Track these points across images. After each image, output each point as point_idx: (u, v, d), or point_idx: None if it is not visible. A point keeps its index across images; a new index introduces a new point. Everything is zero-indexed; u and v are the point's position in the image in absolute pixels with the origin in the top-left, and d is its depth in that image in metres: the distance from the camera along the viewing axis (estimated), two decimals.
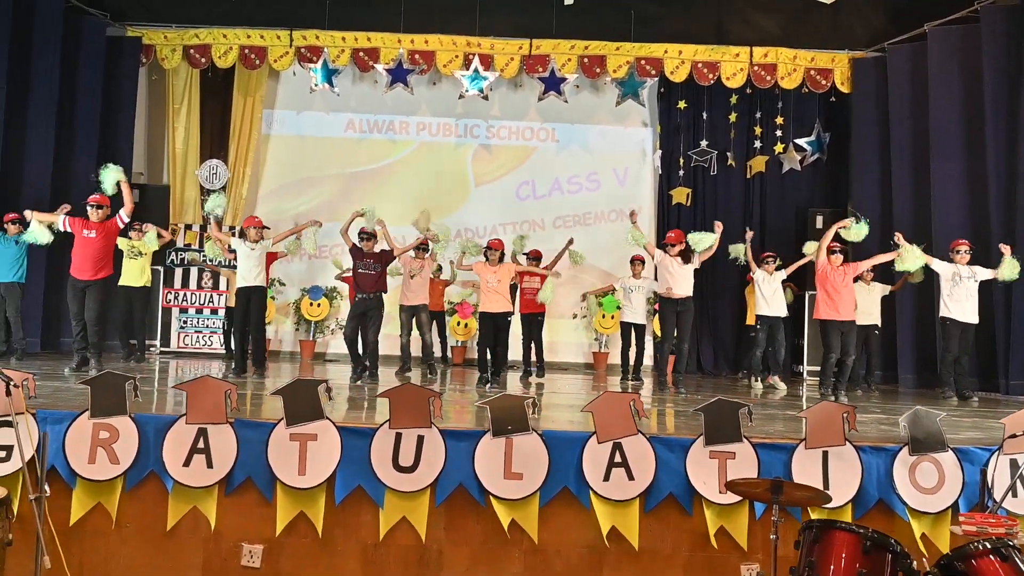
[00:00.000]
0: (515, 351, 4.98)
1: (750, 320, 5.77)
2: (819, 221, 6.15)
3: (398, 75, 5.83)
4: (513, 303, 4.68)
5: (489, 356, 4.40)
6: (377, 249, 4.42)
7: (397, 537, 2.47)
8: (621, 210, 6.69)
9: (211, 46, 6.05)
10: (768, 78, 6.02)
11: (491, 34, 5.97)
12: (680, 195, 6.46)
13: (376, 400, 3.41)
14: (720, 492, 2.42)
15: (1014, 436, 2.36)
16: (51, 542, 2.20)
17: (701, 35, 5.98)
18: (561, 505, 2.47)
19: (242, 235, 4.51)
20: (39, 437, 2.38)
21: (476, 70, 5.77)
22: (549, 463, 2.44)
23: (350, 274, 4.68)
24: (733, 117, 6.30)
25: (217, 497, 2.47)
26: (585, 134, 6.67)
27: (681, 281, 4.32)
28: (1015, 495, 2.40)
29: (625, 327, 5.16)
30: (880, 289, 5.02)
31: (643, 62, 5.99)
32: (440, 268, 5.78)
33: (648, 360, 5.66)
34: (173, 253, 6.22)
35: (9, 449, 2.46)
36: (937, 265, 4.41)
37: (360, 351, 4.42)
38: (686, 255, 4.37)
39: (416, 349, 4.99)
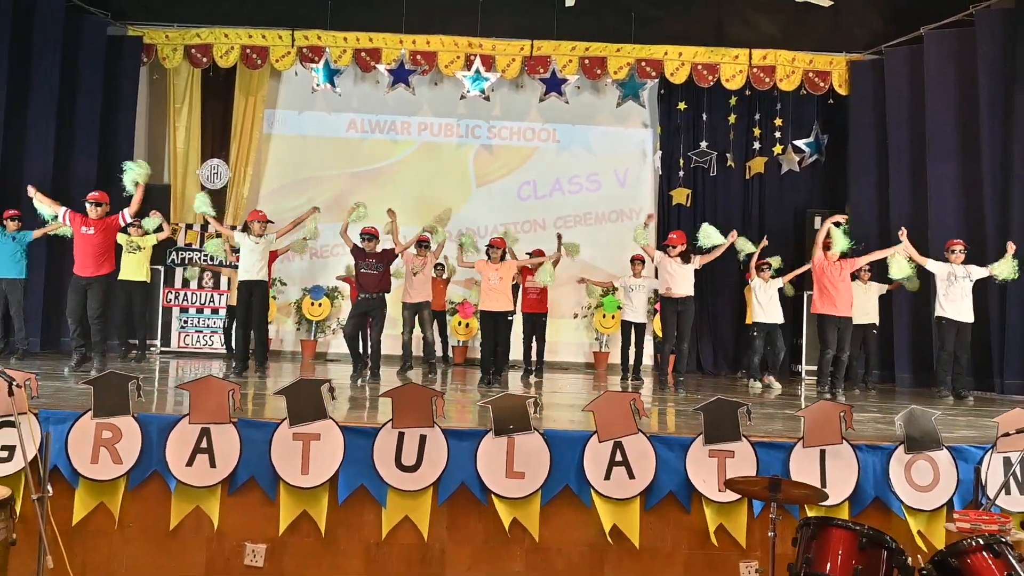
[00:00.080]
0: (515, 351, 5.00)
1: (750, 319, 5.82)
2: (817, 222, 6.16)
3: (400, 75, 5.85)
4: (515, 302, 4.69)
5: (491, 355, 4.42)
6: (379, 249, 4.42)
7: (400, 536, 2.48)
8: (622, 210, 6.74)
9: (212, 46, 6.06)
10: (767, 80, 6.06)
11: (492, 35, 6.00)
12: (680, 196, 6.50)
13: (379, 400, 3.42)
14: (719, 490, 2.45)
15: (1007, 435, 2.39)
16: (54, 542, 2.21)
17: (701, 37, 6.02)
18: (562, 504, 2.49)
19: (245, 229, 4.50)
20: (42, 437, 2.39)
21: (477, 71, 5.80)
22: (551, 462, 2.46)
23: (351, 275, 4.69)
24: (732, 118, 6.35)
25: (220, 497, 2.48)
26: (586, 135, 6.71)
27: (681, 281, 4.34)
28: (1008, 492, 2.44)
29: (625, 326, 5.18)
30: (877, 288, 5.06)
31: (643, 64, 6.03)
32: (443, 267, 5.79)
33: (648, 359, 5.70)
34: (174, 252, 6.23)
35: (11, 449, 2.47)
36: (932, 266, 4.45)
37: (360, 350, 4.42)
38: (686, 255, 4.38)
39: (417, 348, 5.01)
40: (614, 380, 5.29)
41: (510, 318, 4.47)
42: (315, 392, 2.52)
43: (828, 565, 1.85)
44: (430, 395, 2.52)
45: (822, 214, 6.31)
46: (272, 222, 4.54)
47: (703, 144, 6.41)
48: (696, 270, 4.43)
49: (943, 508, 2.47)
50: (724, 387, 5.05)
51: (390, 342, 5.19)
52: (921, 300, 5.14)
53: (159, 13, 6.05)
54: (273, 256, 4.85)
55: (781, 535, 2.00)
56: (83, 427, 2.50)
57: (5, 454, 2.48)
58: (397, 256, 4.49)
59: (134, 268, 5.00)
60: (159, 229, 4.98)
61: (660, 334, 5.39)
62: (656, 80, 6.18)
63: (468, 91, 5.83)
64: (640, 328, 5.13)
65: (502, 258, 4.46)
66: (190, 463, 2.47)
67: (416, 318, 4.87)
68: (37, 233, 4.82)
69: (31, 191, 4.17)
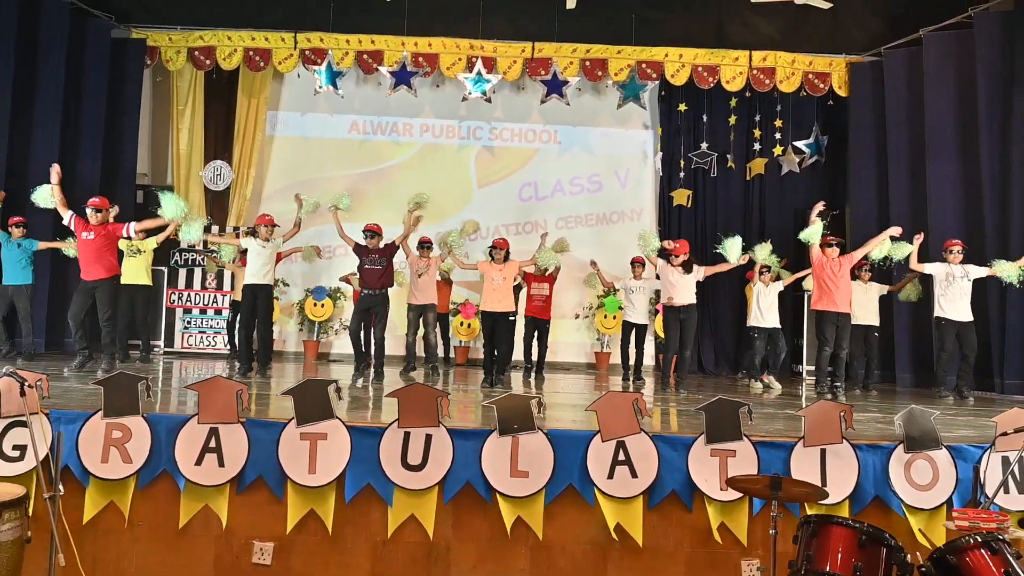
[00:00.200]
0: (516, 352, 5.02)
1: (749, 324, 5.84)
2: (817, 222, 6.22)
3: (402, 77, 5.89)
4: (516, 304, 4.72)
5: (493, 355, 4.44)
6: (382, 244, 4.43)
7: (406, 534, 2.51)
8: (623, 212, 6.77)
9: (215, 48, 6.09)
10: (767, 81, 6.10)
11: (494, 37, 6.04)
12: (681, 197, 6.53)
13: (385, 400, 3.45)
14: (721, 489, 2.48)
15: (1006, 434, 2.42)
16: (65, 540, 2.24)
17: (701, 39, 6.05)
18: (566, 502, 2.52)
19: (253, 233, 4.52)
20: (53, 437, 2.42)
21: (479, 73, 5.83)
22: (554, 461, 2.50)
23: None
24: (733, 120, 6.38)
25: (228, 495, 2.51)
26: (587, 136, 6.74)
27: (682, 291, 4.36)
28: (1007, 491, 2.47)
29: (626, 327, 5.21)
30: (877, 289, 5.07)
31: (644, 65, 6.06)
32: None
33: (649, 360, 5.72)
34: (177, 254, 6.26)
35: (23, 449, 2.50)
36: (930, 268, 4.48)
37: (364, 347, 4.44)
38: (688, 264, 4.40)
39: (420, 349, 5.04)
40: (615, 380, 5.31)
41: (512, 318, 4.49)
42: (322, 392, 2.55)
43: (828, 562, 1.88)
44: (436, 395, 2.55)
45: (822, 215, 6.37)
46: (278, 226, 4.56)
47: (704, 145, 6.44)
48: (699, 280, 4.43)
49: (942, 507, 2.50)
50: (725, 387, 5.07)
51: (393, 342, 5.23)
52: (921, 300, 5.15)
53: (162, 16, 6.08)
54: (278, 257, 4.89)
55: (782, 533, 2.03)
56: (93, 427, 2.54)
57: (17, 454, 2.51)
58: (398, 248, 4.48)
59: (135, 272, 5.02)
60: (161, 229, 5.01)
61: (662, 335, 5.41)
62: (657, 82, 6.22)
63: (470, 93, 5.87)
64: (641, 329, 5.16)
65: (505, 259, 4.47)
66: (199, 462, 2.50)
67: (421, 320, 4.90)
68: (42, 245, 4.85)
69: (56, 173, 4.05)
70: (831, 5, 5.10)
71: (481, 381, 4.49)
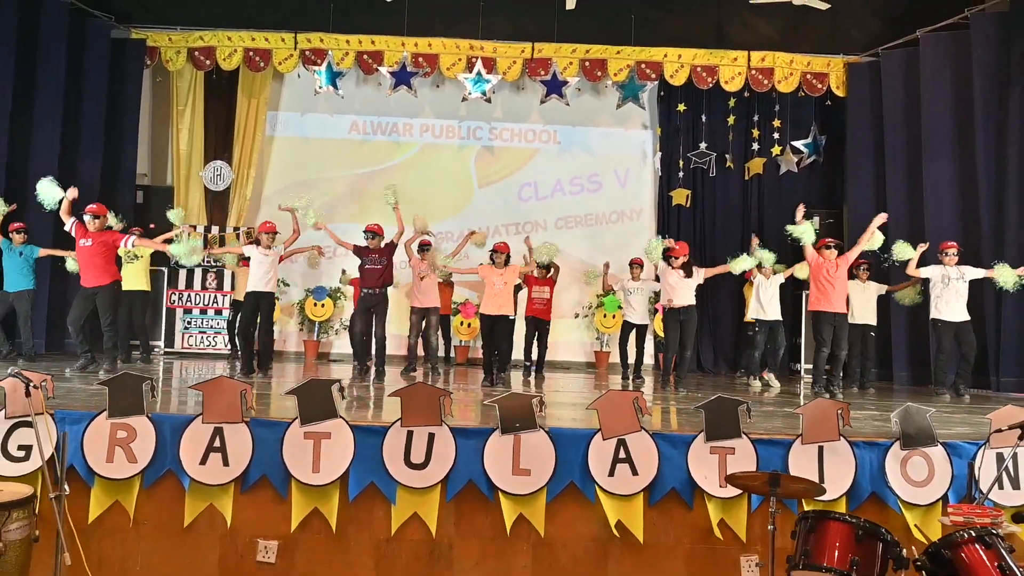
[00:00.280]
0: (516, 351, 5.05)
1: (749, 318, 5.88)
2: (816, 222, 6.25)
3: (402, 78, 5.90)
4: (516, 306, 4.74)
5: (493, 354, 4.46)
6: (382, 244, 4.47)
7: (409, 532, 2.54)
8: (622, 211, 6.80)
9: (215, 48, 6.09)
10: (765, 82, 6.13)
11: (494, 38, 6.05)
12: (680, 196, 6.56)
13: (388, 399, 3.48)
14: (720, 486, 2.51)
15: (1000, 431, 2.45)
16: (71, 539, 2.26)
17: (700, 39, 6.08)
18: (567, 500, 2.55)
19: (256, 241, 4.57)
20: (58, 437, 2.44)
21: (479, 73, 5.85)
22: (556, 459, 2.52)
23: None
24: (731, 120, 6.41)
25: (233, 495, 2.54)
26: (586, 136, 6.76)
27: (681, 293, 4.39)
28: (1001, 487, 2.50)
29: (626, 326, 5.25)
30: (876, 288, 5.09)
31: (643, 66, 6.08)
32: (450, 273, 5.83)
33: (648, 359, 5.75)
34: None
35: (28, 449, 2.52)
36: (926, 271, 4.52)
37: (367, 351, 4.47)
38: (688, 267, 4.43)
39: (421, 349, 5.07)
40: (615, 379, 5.35)
41: (511, 318, 4.53)
42: (326, 392, 2.58)
43: (826, 557, 1.91)
44: (438, 394, 2.57)
45: (820, 214, 6.40)
46: (279, 232, 4.59)
47: (702, 145, 6.47)
48: (699, 284, 4.46)
49: (938, 502, 2.53)
50: (723, 386, 5.10)
51: (393, 342, 5.26)
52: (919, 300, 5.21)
53: (162, 16, 6.08)
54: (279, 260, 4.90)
55: (780, 529, 2.06)
56: (98, 427, 2.56)
57: (22, 454, 2.53)
58: (396, 246, 4.51)
59: (133, 277, 5.04)
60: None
61: (661, 334, 5.44)
62: (656, 82, 6.24)
63: (469, 93, 5.88)
64: (641, 329, 5.19)
65: (506, 263, 4.50)
66: (203, 462, 2.52)
67: (424, 323, 4.93)
68: (43, 252, 4.86)
69: (73, 195, 4.11)
70: (829, 6, 5.14)
71: (481, 380, 4.51)
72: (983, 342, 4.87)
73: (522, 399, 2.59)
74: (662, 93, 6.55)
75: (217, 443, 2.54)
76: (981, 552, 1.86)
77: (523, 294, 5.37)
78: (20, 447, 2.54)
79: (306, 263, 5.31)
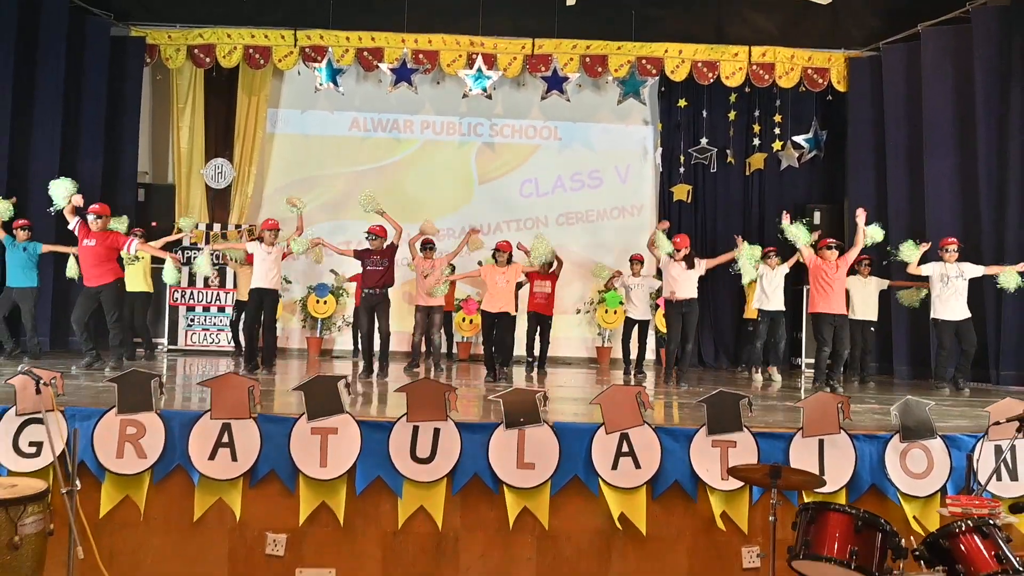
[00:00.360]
0: (517, 347, 5.08)
1: (748, 314, 5.91)
2: (817, 217, 6.28)
3: (402, 74, 5.89)
4: (517, 302, 4.77)
5: (494, 351, 4.49)
6: (384, 246, 4.50)
7: (415, 525, 2.58)
8: (623, 207, 6.81)
9: (215, 46, 6.08)
10: (766, 77, 6.12)
11: (494, 34, 6.04)
12: (681, 192, 6.57)
13: (393, 394, 3.51)
14: (722, 479, 2.55)
15: (998, 423, 2.49)
16: (83, 533, 2.30)
17: (701, 35, 6.06)
18: (571, 493, 2.59)
19: (259, 238, 4.59)
20: (69, 433, 2.47)
21: (479, 69, 5.84)
22: (560, 453, 2.56)
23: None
24: (732, 115, 6.40)
25: (242, 489, 2.57)
26: (587, 132, 6.76)
27: (684, 285, 4.41)
28: (999, 479, 2.54)
29: (628, 322, 5.28)
30: (876, 283, 5.10)
31: (644, 61, 6.07)
32: (453, 268, 5.85)
33: (650, 354, 5.78)
34: (179, 251, 6.28)
35: (39, 445, 2.56)
36: (926, 269, 4.53)
37: (371, 348, 4.50)
38: (690, 259, 4.46)
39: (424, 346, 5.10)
40: (617, 375, 5.38)
41: (513, 315, 4.55)
42: (332, 388, 2.61)
43: (826, 547, 1.94)
44: (444, 389, 2.60)
45: (821, 209, 6.43)
46: (280, 230, 4.61)
47: (703, 141, 6.47)
48: (700, 275, 4.49)
49: (937, 494, 2.57)
50: (725, 380, 5.13)
51: (396, 338, 5.28)
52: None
53: (161, 14, 6.06)
54: (282, 256, 4.92)
55: (781, 520, 2.09)
56: (108, 423, 2.59)
57: (33, 450, 2.56)
58: (396, 247, 4.54)
59: (135, 278, 5.07)
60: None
61: (664, 330, 5.47)
62: (656, 78, 6.23)
63: (470, 89, 5.87)
64: (643, 325, 5.22)
65: (508, 261, 4.53)
66: (212, 457, 2.56)
67: (428, 321, 4.96)
68: (46, 248, 4.87)
69: (78, 200, 4.16)
70: (830, 0, 5.12)
71: (484, 376, 4.55)
72: (983, 336, 4.89)
73: (526, 394, 2.62)
74: (663, 89, 6.54)
75: (225, 439, 2.57)
76: (978, 541, 1.90)
77: (524, 289, 5.39)
78: (31, 443, 2.57)
79: (313, 261, 5.31)
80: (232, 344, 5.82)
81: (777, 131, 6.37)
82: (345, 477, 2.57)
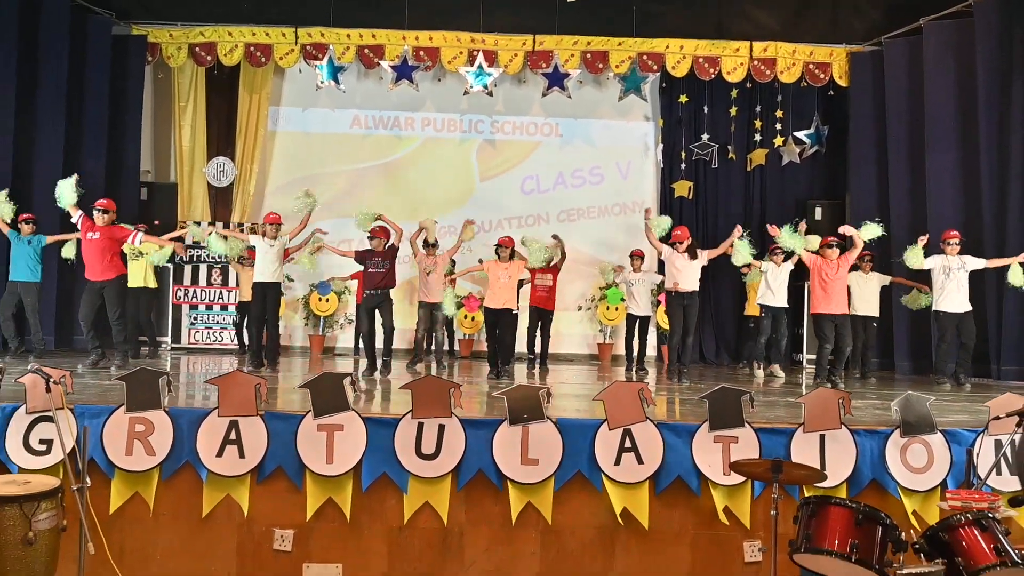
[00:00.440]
0: (519, 344, 5.09)
1: (749, 311, 5.92)
2: (818, 212, 6.28)
3: (403, 72, 5.89)
4: (518, 297, 4.79)
5: (496, 347, 4.52)
6: (385, 247, 4.52)
7: (421, 520, 2.61)
8: (624, 203, 6.81)
9: (216, 44, 6.08)
10: (768, 72, 6.10)
11: (495, 31, 6.03)
12: (682, 188, 6.57)
13: (398, 391, 3.54)
14: (724, 474, 2.57)
15: (998, 418, 2.50)
16: (94, 529, 2.34)
17: (702, 30, 6.05)
18: (575, 488, 2.62)
19: (262, 233, 4.60)
20: (79, 430, 2.50)
21: (480, 66, 5.83)
22: (563, 449, 2.59)
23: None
24: (734, 111, 6.39)
25: (249, 485, 2.61)
26: (588, 129, 6.75)
27: (688, 276, 4.41)
28: (999, 473, 2.55)
29: (630, 319, 5.30)
30: (878, 279, 5.11)
31: (645, 57, 6.06)
32: (454, 264, 5.87)
33: (651, 351, 5.81)
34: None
35: (49, 443, 2.59)
36: (927, 262, 4.53)
37: (374, 348, 4.52)
38: (692, 250, 4.47)
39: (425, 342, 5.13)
40: (619, 371, 5.42)
41: (514, 312, 4.56)
42: (338, 385, 2.63)
43: (827, 541, 1.97)
44: (448, 386, 2.63)
45: (822, 205, 6.43)
46: (284, 223, 4.63)
47: (704, 136, 6.46)
48: (703, 266, 4.50)
49: (937, 488, 2.59)
50: (726, 376, 5.16)
51: (398, 336, 5.30)
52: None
53: (162, 12, 6.07)
54: (286, 254, 4.94)
55: (783, 515, 2.12)
56: (117, 421, 2.62)
57: (43, 447, 2.60)
58: (397, 249, 4.56)
59: (137, 275, 5.08)
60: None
61: (665, 326, 5.50)
62: (657, 73, 6.21)
63: (471, 86, 5.87)
64: (644, 321, 5.24)
65: (511, 257, 4.53)
66: (220, 454, 2.59)
67: (430, 318, 4.98)
68: (50, 239, 4.89)
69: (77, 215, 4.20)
70: None
71: (487, 373, 4.57)
72: (984, 331, 4.90)
73: (529, 391, 2.65)
74: (664, 85, 6.52)
75: (233, 436, 2.61)
76: (977, 534, 1.92)
77: (526, 284, 5.40)
78: (41, 441, 2.61)
79: (313, 256, 5.32)
80: (236, 343, 5.86)
81: (778, 127, 6.36)
82: (351, 473, 2.60)
